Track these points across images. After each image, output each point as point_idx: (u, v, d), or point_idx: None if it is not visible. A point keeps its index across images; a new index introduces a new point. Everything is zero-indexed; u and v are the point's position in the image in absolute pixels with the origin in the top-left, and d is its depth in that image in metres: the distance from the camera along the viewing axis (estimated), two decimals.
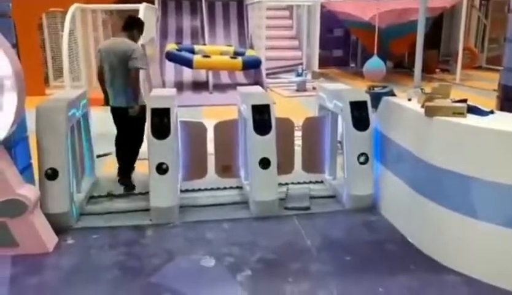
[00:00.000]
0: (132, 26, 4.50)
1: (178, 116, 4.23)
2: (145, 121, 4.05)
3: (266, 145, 3.92)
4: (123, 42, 4.38)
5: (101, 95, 4.59)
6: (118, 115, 4.46)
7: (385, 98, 4.10)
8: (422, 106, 3.38)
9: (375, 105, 4.14)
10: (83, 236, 3.65)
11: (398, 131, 3.77)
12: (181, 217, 3.94)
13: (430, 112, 3.25)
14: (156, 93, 4.58)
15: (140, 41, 4.94)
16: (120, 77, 4.32)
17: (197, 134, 4.32)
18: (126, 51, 4.26)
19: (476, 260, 3.04)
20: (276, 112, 4.05)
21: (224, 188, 4.56)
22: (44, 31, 10.62)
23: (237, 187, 4.56)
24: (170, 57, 10.02)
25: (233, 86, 9.41)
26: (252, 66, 10.36)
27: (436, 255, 3.25)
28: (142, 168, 4.48)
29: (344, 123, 4.11)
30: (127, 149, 4.54)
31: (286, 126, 4.30)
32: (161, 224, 3.83)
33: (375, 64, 10.68)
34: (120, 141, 4.59)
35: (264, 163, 3.89)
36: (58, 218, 3.66)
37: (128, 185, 4.51)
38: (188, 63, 9.91)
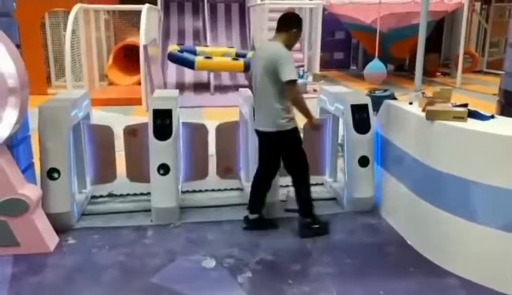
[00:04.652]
0: (291, 25, 3.58)
1: (180, 117, 4.24)
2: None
3: None
4: (274, 47, 3.53)
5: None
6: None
7: (386, 102, 4.12)
8: (423, 110, 3.39)
9: (376, 108, 4.16)
10: (84, 236, 3.66)
11: (399, 135, 3.78)
12: (182, 218, 3.95)
13: (431, 116, 3.26)
14: (158, 94, 4.60)
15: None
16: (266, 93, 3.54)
17: (198, 135, 4.33)
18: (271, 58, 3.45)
19: (475, 263, 3.06)
20: None
21: (225, 189, 4.58)
22: (47, 30, 10.64)
23: (238, 189, 4.58)
24: (172, 58, 10.04)
25: (234, 87, 9.44)
26: None
27: (436, 258, 3.26)
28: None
29: (345, 126, 4.13)
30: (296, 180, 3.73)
31: None
32: (162, 224, 3.85)
33: (376, 67, 10.71)
34: (267, 174, 3.76)
35: None
36: (59, 218, 3.67)
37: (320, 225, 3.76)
38: (190, 64, 9.93)
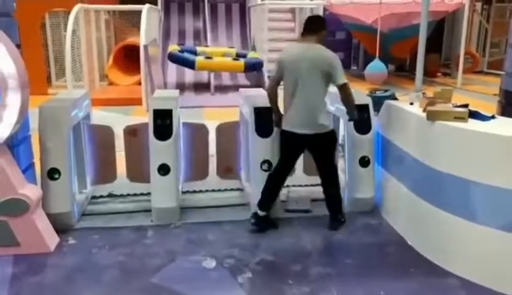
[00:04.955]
0: (319, 26, 3.65)
1: (180, 117, 4.24)
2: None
3: (268, 147, 3.93)
4: (319, 49, 3.56)
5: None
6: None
7: (387, 102, 4.12)
8: (424, 110, 3.39)
9: (376, 108, 4.16)
10: (85, 237, 3.66)
11: (400, 135, 3.78)
12: (182, 218, 3.95)
13: (432, 116, 3.26)
14: (158, 94, 4.60)
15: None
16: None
17: (199, 135, 4.33)
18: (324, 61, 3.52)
19: (475, 263, 3.06)
20: None
21: (226, 189, 4.58)
22: (47, 30, 10.65)
23: (238, 189, 4.58)
24: (173, 58, 10.04)
25: (235, 88, 9.43)
26: (254, 68, 10.37)
27: (436, 258, 3.26)
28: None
29: (345, 126, 4.13)
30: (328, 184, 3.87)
31: None
32: (163, 224, 3.85)
33: (377, 67, 10.69)
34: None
35: (266, 165, 3.90)
36: (60, 218, 3.67)
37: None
38: (190, 64, 9.93)
